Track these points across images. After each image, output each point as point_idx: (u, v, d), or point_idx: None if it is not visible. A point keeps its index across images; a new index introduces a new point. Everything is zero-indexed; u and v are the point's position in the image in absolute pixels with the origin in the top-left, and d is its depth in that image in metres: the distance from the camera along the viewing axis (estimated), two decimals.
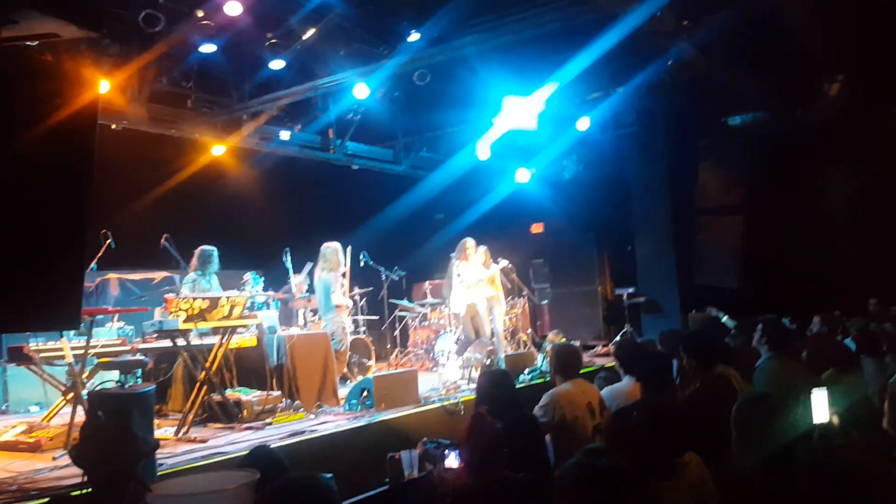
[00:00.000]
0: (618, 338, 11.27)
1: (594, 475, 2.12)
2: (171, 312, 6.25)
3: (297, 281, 9.11)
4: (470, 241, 9.44)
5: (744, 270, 11.49)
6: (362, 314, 10.26)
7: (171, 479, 2.97)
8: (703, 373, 4.64)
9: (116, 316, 7.60)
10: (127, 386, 4.93)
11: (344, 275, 8.81)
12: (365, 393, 7.04)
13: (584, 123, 11.37)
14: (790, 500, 2.47)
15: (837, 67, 9.97)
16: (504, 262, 9.85)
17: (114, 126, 8.75)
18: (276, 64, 8.83)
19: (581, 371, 5.06)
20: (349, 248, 8.98)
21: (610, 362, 8.54)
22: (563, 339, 10.46)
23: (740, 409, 2.69)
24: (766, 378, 4.79)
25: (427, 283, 11.25)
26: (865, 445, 3.18)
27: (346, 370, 8.60)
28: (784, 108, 10.93)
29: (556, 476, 2.30)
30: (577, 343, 9.45)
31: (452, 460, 3.54)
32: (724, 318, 9.01)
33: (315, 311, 9.02)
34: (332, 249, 8.60)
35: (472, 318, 9.42)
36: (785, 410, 2.71)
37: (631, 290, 11.87)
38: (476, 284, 9.52)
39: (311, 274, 8.98)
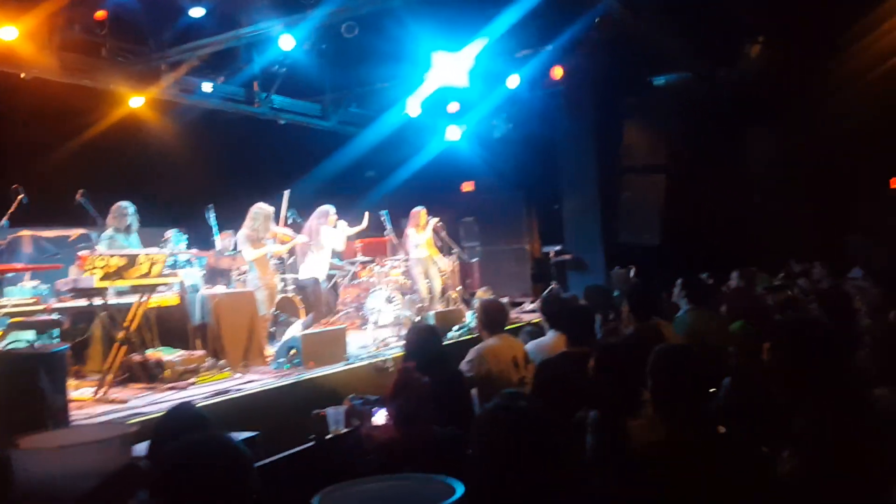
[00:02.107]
0: (544, 294, 11.47)
1: (512, 416, 2.14)
2: (87, 270, 6.01)
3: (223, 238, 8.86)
4: (332, 209, 8.45)
5: (666, 228, 11.79)
6: (291, 273, 10.09)
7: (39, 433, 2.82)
8: (637, 322, 4.90)
9: (29, 274, 7.30)
10: (37, 346, 4.75)
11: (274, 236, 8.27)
12: (293, 351, 6.98)
13: (513, 81, 11.37)
14: (700, 448, 2.56)
15: (759, 29, 10.19)
16: (434, 220, 9.84)
17: (23, 75, 8.31)
18: (196, 11, 8.49)
19: (507, 327, 5.14)
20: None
21: (537, 318, 8.68)
22: (492, 296, 10.58)
23: (656, 358, 2.75)
24: (681, 330, 4.98)
25: (358, 241, 11.12)
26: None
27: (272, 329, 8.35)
28: (707, 69, 11.15)
29: (475, 419, 2.31)
30: (506, 300, 9.52)
31: (380, 417, 3.54)
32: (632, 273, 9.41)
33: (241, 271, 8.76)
34: (261, 213, 7.92)
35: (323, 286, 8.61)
36: (699, 361, 2.79)
37: (558, 248, 12.04)
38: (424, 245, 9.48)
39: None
